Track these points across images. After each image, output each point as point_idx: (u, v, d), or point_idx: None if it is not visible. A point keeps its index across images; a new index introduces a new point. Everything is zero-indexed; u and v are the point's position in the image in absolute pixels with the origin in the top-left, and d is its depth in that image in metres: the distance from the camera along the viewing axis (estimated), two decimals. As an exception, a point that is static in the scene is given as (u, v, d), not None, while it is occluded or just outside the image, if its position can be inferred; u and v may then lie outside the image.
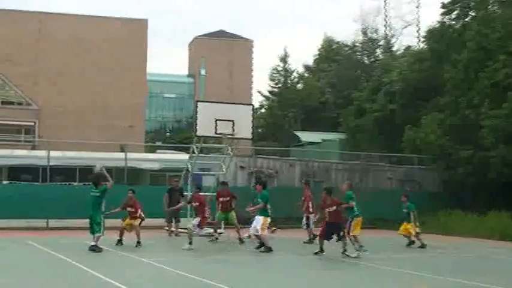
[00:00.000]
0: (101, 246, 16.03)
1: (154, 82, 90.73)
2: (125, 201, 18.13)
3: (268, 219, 17.54)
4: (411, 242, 19.81)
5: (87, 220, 16.58)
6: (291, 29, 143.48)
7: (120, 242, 17.80)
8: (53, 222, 24.28)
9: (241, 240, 19.49)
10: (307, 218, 20.28)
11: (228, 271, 13.99)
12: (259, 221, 17.24)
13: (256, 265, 15.43)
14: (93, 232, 16.20)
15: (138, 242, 17.63)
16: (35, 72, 63.73)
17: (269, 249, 17.10)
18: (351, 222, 16.79)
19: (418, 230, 19.72)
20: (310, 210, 20.24)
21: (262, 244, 17.37)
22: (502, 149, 26.91)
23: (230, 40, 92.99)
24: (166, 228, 22.24)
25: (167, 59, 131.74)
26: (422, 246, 19.50)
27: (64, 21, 65.32)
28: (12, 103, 61.47)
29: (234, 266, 15.05)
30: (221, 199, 20.23)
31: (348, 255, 16.19)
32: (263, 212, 17.38)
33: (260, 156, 30.80)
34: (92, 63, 64.63)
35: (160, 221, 22.67)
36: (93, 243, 16.01)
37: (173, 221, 22.02)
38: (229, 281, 12.00)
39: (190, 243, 16.97)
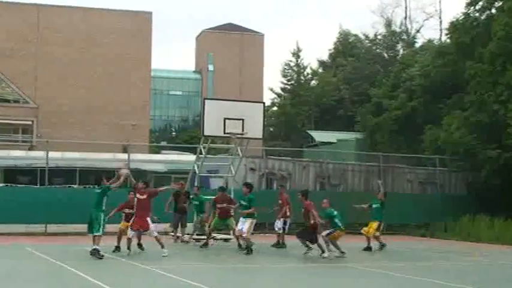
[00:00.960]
0: (102, 253, 16.01)
1: (159, 78, 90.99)
2: (125, 202, 18.17)
3: (254, 221, 18.69)
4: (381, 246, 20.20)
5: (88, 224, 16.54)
6: (303, 21, 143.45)
7: (117, 248, 17.59)
8: (51, 227, 24.35)
9: (240, 246, 19.70)
10: (285, 223, 20.84)
11: (239, 279, 13.97)
12: (245, 223, 18.43)
13: (273, 273, 15.40)
14: (92, 231, 16.13)
15: (139, 244, 17.64)
16: (34, 67, 63.96)
17: (251, 251, 18.19)
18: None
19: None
20: (288, 214, 20.85)
21: (246, 246, 18.41)
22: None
23: (239, 33, 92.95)
24: (172, 233, 22.26)
25: (173, 54, 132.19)
26: (368, 248, 20.10)
27: (65, 13, 65.52)
28: (8, 101, 61.70)
29: (244, 274, 15.03)
30: (219, 205, 20.18)
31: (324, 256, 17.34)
32: (250, 215, 18.51)
33: (271, 157, 30.75)
34: (94, 57, 64.75)
35: (165, 226, 22.66)
36: (94, 247, 15.97)
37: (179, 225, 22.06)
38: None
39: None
